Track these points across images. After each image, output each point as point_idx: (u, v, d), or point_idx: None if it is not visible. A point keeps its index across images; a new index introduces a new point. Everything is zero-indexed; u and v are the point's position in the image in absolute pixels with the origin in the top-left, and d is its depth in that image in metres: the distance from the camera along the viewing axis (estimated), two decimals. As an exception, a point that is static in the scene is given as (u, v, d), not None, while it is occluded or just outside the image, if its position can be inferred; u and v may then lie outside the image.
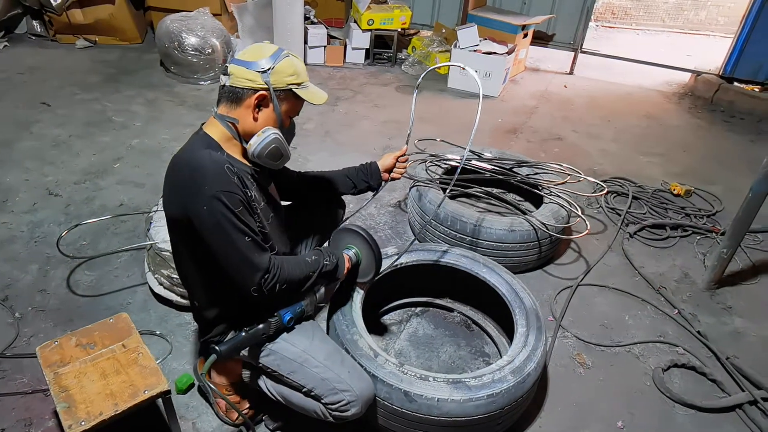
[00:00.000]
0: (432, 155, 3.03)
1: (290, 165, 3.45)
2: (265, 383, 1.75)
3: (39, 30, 5.15)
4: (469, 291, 2.35)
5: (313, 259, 1.59)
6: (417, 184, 2.80)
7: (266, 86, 1.42)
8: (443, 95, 4.85)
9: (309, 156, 3.64)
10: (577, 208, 2.70)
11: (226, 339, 1.62)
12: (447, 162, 2.98)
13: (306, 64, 5.05)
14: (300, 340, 1.65)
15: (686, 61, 6.14)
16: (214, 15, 4.71)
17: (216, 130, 1.48)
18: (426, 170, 2.91)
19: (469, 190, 3.06)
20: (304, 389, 1.61)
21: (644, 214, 3.26)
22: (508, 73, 4.92)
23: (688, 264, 2.90)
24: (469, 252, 2.27)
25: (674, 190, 3.49)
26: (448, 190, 2.14)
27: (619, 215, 3.21)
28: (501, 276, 2.16)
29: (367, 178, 2.01)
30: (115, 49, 5.12)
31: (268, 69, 1.42)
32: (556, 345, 2.33)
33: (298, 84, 1.48)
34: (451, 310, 2.47)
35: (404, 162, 2.07)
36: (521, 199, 3.22)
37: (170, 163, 1.47)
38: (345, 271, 1.73)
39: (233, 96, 1.44)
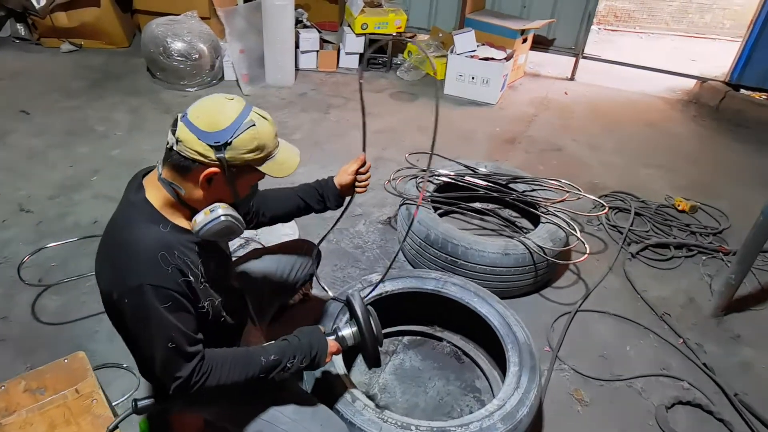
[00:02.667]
0: (422, 170, 2.88)
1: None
2: (232, 442, 1.59)
3: (23, 33, 4.99)
4: (460, 320, 2.20)
5: (271, 360, 1.36)
6: (406, 201, 2.65)
7: (219, 163, 1.19)
8: (440, 102, 4.67)
9: (297, 168, 3.48)
10: (576, 229, 2.55)
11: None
12: (438, 178, 2.82)
13: (297, 69, 4.91)
14: (265, 394, 1.50)
15: (691, 66, 5.97)
16: (203, 19, 4.55)
17: (159, 195, 1.26)
18: (416, 186, 2.75)
19: (462, 207, 2.90)
20: (274, 449, 1.46)
21: (647, 232, 3.10)
22: (507, 79, 4.76)
23: (694, 287, 2.74)
24: (460, 279, 2.13)
25: (679, 205, 3.33)
26: (415, 208, 1.99)
27: (621, 233, 3.05)
28: (493, 306, 2.02)
29: (323, 199, 1.75)
30: (101, 54, 4.96)
31: (224, 144, 1.17)
32: (552, 378, 2.17)
33: (262, 158, 1.25)
34: (440, 339, 2.32)
35: (366, 173, 1.72)
36: (518, 215, 3.06)
37: (105, 229, 1.29)
38: (328, 358, 1.48)
39: (179, 165, 1.20)
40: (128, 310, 1.20)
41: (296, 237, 2.43)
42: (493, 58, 4.61)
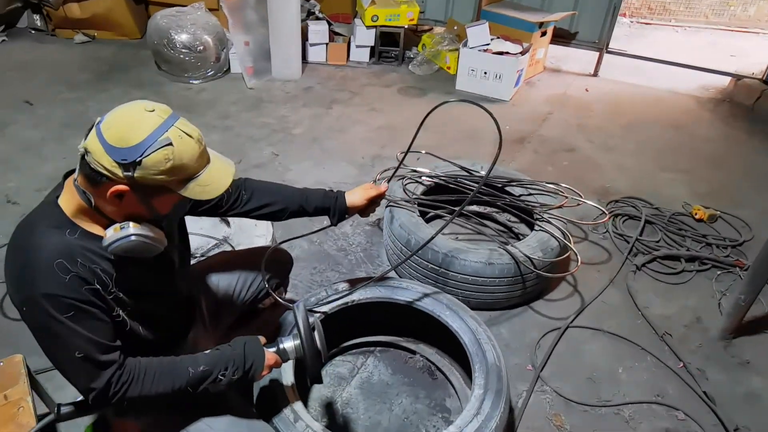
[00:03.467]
0: (413, 170, 2.73)
1: (270, 173, 3.24)
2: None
3: (39, 24, 5.06)
4: (434, 333, 2.05)
5: (200, 371, 1.27)
6: (391, 204, 2.51)
7: (126, 182, 1.07)
8: (447, 98, 4.49)
9: (291, 165, 3.39)
10: (570, 238, 2.35)
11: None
12: (427, 179, 2.67)
13: (306, 62, 4.80)
14: (199, 404, 1.41)
15: (728, 62, 5.58)
16: (211, 10, 4.50)
17: (72, 200, 1.15)
18: (403, 188, 2.60)
19: (448, 211, 2.74)
20: (203, 468, 1.37)
21: (657, 242, 2.87)
22: (522, 75, 4.53)
23: (703, 305, 2.50)
24: (432, 289, 1.98)
25: (696, 214, 3.07)
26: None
27: (628, 243, 2.83)
28: (465, 322, 1.86)
29: (328, 214, 1.66)
30: (113, 45, 4.98)
31: (132, 163, 1.04)
32: (531, 400, 2.01)
33: (180, 180, 1.12)
34: (414, 352, 2.17)
35: (379, 202, 1.73)
36: (516, 220, 2.88)
37: (16, 227, 1.19)
38: (265, 371, 1.38)
39: (89, 176, 1.09)
40: (28, 320, 1.13)
41: (269, 240, 2.33)
42: (507, 52, 4.39)
